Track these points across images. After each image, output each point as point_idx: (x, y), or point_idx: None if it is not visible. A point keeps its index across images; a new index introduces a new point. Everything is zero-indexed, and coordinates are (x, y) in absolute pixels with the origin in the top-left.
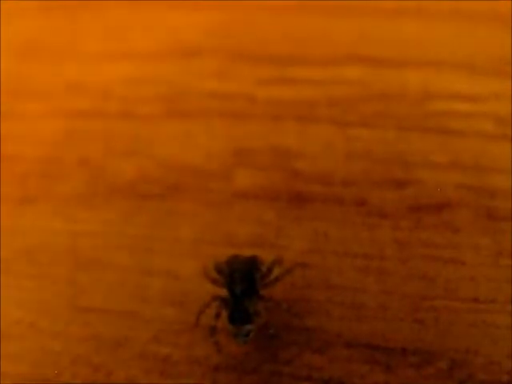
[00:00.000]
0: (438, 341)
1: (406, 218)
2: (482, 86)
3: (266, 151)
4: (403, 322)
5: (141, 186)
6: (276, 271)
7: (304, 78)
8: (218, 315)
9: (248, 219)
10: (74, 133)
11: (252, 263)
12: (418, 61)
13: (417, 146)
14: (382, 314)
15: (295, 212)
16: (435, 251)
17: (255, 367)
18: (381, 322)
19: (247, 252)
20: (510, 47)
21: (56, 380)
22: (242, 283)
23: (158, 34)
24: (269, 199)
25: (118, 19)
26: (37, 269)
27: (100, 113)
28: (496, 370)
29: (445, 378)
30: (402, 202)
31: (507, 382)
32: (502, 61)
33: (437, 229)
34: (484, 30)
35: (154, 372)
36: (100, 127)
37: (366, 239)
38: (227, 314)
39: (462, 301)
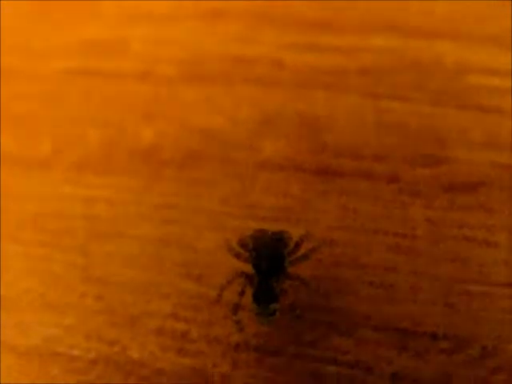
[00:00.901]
0: (470, 327)
1: (440, 196)
2: None
3: (292, 120)
4: (434, 306)
5: (161, 151)
6: (303, 248)
7: (333, 46)
8: (242, 293)
9: (273, 192)
10: (90, 93)
11: (280, 239)
12: (452, 33)
13: (452, 121)
14: (413, 296)
15: (323, 185)
16: (469, 232)
17: (278, 348)
18: (411, 305)
19: (270, 226)
20: None
21: (68, 354)
22: (269, 260)
23: None
24: (295, 171)
25: None
26: (47, 237)
27: (119, 74)
28: None
29: (476, 365)
30: (436, 180)
31: None
32: None
33: (471, 209)
34: None
35: (171, 349)
36: (118, 88)
37: (397, 217)
38: (252, 291)
39: (495, 285)
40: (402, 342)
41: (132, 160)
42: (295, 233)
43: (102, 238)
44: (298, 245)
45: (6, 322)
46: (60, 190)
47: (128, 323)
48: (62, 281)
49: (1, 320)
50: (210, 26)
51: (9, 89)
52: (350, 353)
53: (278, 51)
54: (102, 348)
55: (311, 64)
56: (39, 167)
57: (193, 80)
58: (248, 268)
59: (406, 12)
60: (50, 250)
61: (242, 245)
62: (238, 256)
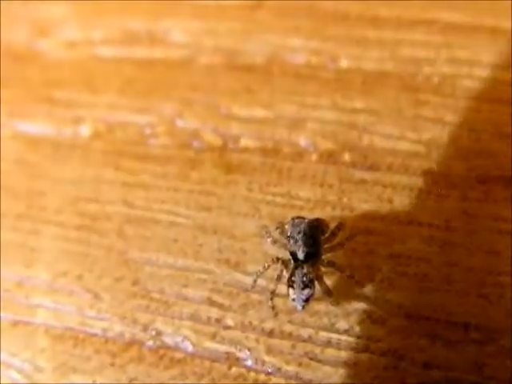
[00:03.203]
0: (502, 318)
1: (475, 189)
2: None
3: (330, 113)
4: (467, 296)
5: (199, 139)
6: (339, 237)
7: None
8: (278, 278)
9: (310, 181)
10: (132, 80)
11: (317, 226)
12: None
13: (486, 115)
14: (446, 286)
15: (359, 177)
16: (503, 225)
17: (311, 335)
18: (444, 295)
19: (307, 214)
20: None
21: (103, 336)
22: (306, 247)
23: None
24: (333, 163)
25: None
26: (85, 221)
27: (160, 61)
28: None
29: (507, 356)
30: (471, 173)
31: None
32: None
33: (506, 202)
34: None
35: (205, 334)
36: (159, 76)
37: (432, 208)
38: (287, 277)
39: None
40: (434, 332)
41: (170, 147)
42: (331, 222)
43: (138, 223)
44: (333, 233)
45: (42, 304)
46: (99, 175)
47: (163, 308)
48: (99, 264)
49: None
50: (251, 16)
51: (52, 75)
52: (383, 341)
53: (318, 44)
54: (136, 331)
55: (351, 57)
56: (79, 151)
57: (233, 69)
58: (284, 255)
59: None
60: (87, 234)
61: (280, 231)
62: (274, 242)
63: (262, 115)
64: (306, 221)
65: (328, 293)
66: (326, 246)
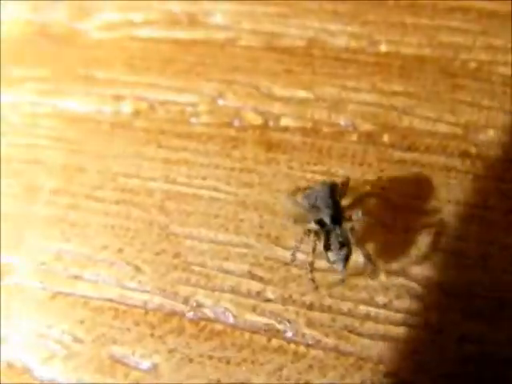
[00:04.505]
0: None
1: (511, 170)
2: None
3: (370, 96)
4: (503, 274)
5: (240, 117)
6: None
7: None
8: (313, 249)
9: (349, 159)
10: (174, 61)
11: (329, 188)
12: None
13: None
14: (483, 263)
15: (397, 157)
16: None
17: (350, 308)
18: (481, 272)
19: (350, 192)
20: None
21: (143, 308)
22: (329, 209)
23: None
24: (371, 142)
25: None
26: (126, 195)
27: (201, 42)
28: None
29: None
30: (508, 155)
31: None
32: None
33: None
34: None
35: (246, 307)
36: (200, 57)
37: (469, 188)
38: (323, 243)
39: None
40: (470, 307)
41: (211, 125)
42: (371, 201)
43: (180, 198)
44: (343, 188)
45: (82, 276)
46: (140, 151)
47: (204, 280)
48: (140, 238)
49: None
50: (289, 0)
51: (92, 55)
52: (420, 316)
53: (357, 28)
54: (176, 303)
55: (390, 42)
56: (120, 129)
57: (273, 51)
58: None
59: None
60: (128, 208)
61: (304, 199)
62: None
63: (303, 96)
64: (318, 187)
65: (367, 256)
66: (345, 203)
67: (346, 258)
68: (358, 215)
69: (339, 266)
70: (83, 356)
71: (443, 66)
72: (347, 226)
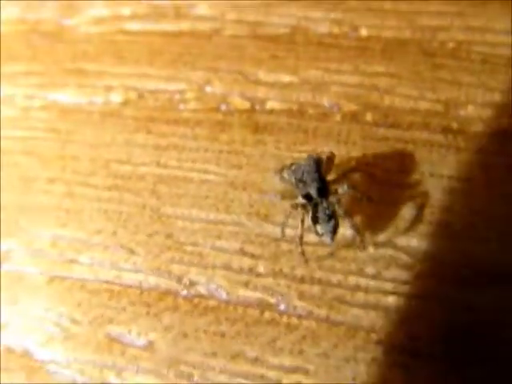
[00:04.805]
0: None
1: (492, 142)
2: None
3: (353, 78)
4: (490, 243)
5: (227, 102)
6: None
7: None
8: (302, 222)
9: (334, 139)
10: (160, 51)
11: (314, 162)
12: None
13: (501, 76)
14: (469, 233)
15: (381, 134)
16: None
17: (340, 280)
18: (468, 242)
19: (336, 169)
20: None
21: (138, 287)
22: (314, 182)
23: None
24: (355, 121)
25: None
26: (119, 181)
27: (186, 33)
28: None
29: None
30: (487, 128)
31: None
32: None
33: None
34: None
35: (238, 283)
36: (186, 47)
37: (452, 162)
38: (311, 216)
39: None
40: (459, 277)
41: (199, 111)
42: (356, 177)
43: (170, 182)
44: (329, 163)
45: (78, 260)
46: (131, 139)
47: (196, 259)
48: (133, 221)
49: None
50: None
51: (81, 49)
52: (410, 284)
53: (339, 15)
54: (170, 282)
55: (371, 26)
56: (111, 118)
57: (258, 39)
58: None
59: None
60: (121, 193)
61: (288, 174)
62: (285, 182)
63: (288, 80)
64: (303, 162)
65: (355, 227)
66: (330, 177)
67: (334, 230)
68: (344, 189)
69: (327, 238)
70: (81, 337)
71: (423, 47)
72: (334, 199)
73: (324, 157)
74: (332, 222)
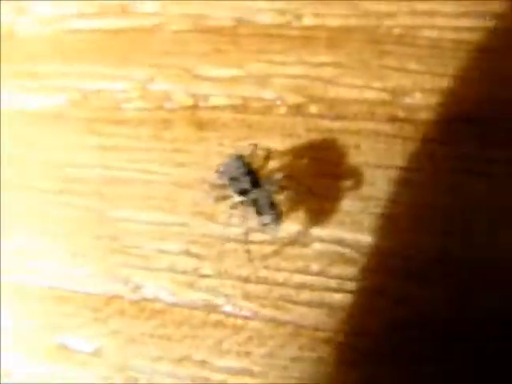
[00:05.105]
0: (469, 252)
1: (439, 130)
2: None
3: (298, 70)
4: (436, 234)
5: (171, 99)
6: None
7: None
8: (245, 218)
9: (279, 132)
10: (105, 49)
11: (241, 156)
12: None
13: (447, 60)
14: (415, 225)
15: (326, 126)
16: (467, 164)
17: (286, 278)
18: (414, 234)
19: (277, 162)
20: None
21: (84, 292)
22: (247, 175)
23: None
24: (300, 113)
25: None
26: (64, 184)
27: (130, 29)
28: None
29: (477, 292)
30: (435, 115)
31: None
32: None
33: (468, 141)
34: None
35: (183, 284)
36: (131, 43)
37: (398, 152)
38: (253, 210)
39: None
40: (405, 270)
41: (143, 109)
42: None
43: (116, 184)
44: (266, 159)
45: (22, 265)
46: (77, 140)
47: (141, 262)
48: (79, 224)
49: None
50: None
51: (28, 51)
52: (356, 280)
53: (282, 5)
54: (117, 286)
55: (315, 15)
56: (56, 120)
57: (202, 33)
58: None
59: None
60: (67, 197)
61: (222, 176)
62: (218, 199)
63: (231, 74)
64: (228, 161)
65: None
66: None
67: (279, 217)
68: (278, 177)
69: (274, 228)
70: (29, 344)
71: (369, 34)
72: (271, 188)
73: (263, 154)
74: (274, 209)
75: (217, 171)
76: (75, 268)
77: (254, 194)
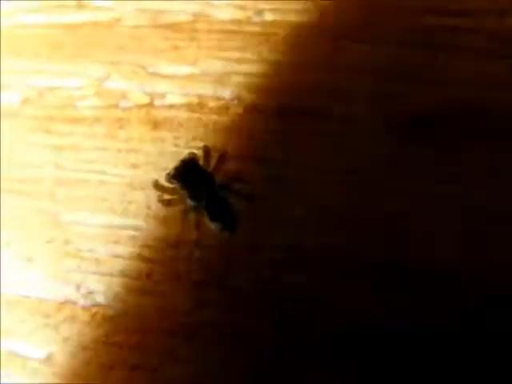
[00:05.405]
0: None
1: (387, 131)
2: None
3: (254, 67)
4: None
5: (126, 97)
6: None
7: None
8: (197, 225)
9: (234, 132)
10: (60, 45)
11: (190, 162)
12: None
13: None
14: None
15: (277, 125)
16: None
17: (237, 285)
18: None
19: (233, 164)
20: None
21: (36, 297)
22: (199, 183)
23: None
24: (258, 111)
25: None
26: (18, 185)
27: (87, 24)
28: None
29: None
30: (382, 116)
31: None
32: None
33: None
34: None
35: (136, 289)
36: (86, 38)
37: (344, 154)
38: (207, 215)
39: None
40: (362, 274)
41: (98, 108)
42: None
43: (69, 185)
44: (221, 160)
45: None
46: (31, 139)
47: (94, 266)
48: (31, 227)
49: None
50: None
51: None
52: (304, 287)
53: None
54: (69, 291)
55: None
56: (12, 118)
57: (159, 28)
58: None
59: None
60: (19, 198)
61: (173, 179)
62: (172, 192)
63: (188, 72)
64: (179, 166)
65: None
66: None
67: (234, 221)
68: (232, 181)
69: (229, 231)
70: None
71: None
72: (225, 193)
73: (217, 154)
74: (229, 214)
75: (169, 174)
76: (27, 272)
77: (208, 199)
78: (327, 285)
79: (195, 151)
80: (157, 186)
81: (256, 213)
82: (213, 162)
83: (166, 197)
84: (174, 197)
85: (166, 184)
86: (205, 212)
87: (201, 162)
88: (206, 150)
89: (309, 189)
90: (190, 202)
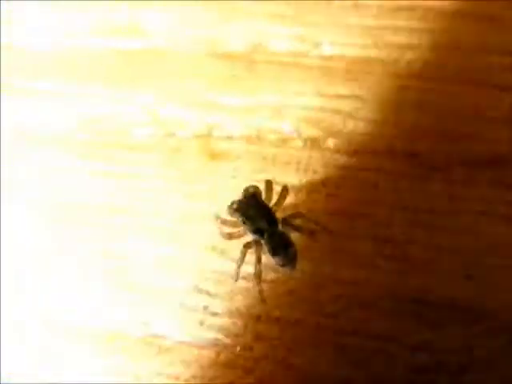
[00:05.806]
0: (488, 299)
1: (459, 172)
2: None
3: (313, 97)
4: (453, 278)
5: (183, 127)
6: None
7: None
8: (258, 259)
9: (294, 166)
10: (115, 71)
11: (254, 195)
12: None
13: (469, 99)
14: (431, 268)
15: (343, 161)
16: (487, 207)
17: (299, 319)
18: (430, 277)
19: (293, 197)
20: None
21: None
22: (262, 215)
23: None
24: (316, 147)
25: None
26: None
27: (142, 51)
28: None
29: (493, 337)
30: (455, 156)
31: None
32: None
33: (489, 184)
34: None
35: (193, 322)
36: (142, 65)
37: (416, 192)
38: (268, 249)
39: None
40: (420, 314)
41: (154, 136)
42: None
43: (123, 213)
44: (283, 196)
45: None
46: (80, 165)
47: (151, 298)
48: (87, 257)
49: None
50: (229, 4)
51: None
52: (370, 324)
53: (301, 30)
54: (123, 322)
55: (334, 43)
56: (64, 143)
57: (215, 58)
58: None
59: None
60: (73, 228)
61: (234, 211)
62: (233, 225)
63: (246, 103)
64: (242, 199)
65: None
66: (275, 206)
67: (295, 257)
68: (293, 215)
69: (290, 268)
70: None
71: (388, 66)
72: (286, 228)
73: (278, 189)
74: (290, 250)
75: (230, 207)
76: (82, 301)
77: (270, 233)
78: (391, 323)
79: (257, 184)
80: (218, 218)
81: (320, 246)
82: (274, 196)
83: (227, 230)
84: (235, 230)
85: (227, 217)
86: (266, 246)
87: (262, 195)
88: (268, 184)
89: (378, 226)
90: (251, 236)
